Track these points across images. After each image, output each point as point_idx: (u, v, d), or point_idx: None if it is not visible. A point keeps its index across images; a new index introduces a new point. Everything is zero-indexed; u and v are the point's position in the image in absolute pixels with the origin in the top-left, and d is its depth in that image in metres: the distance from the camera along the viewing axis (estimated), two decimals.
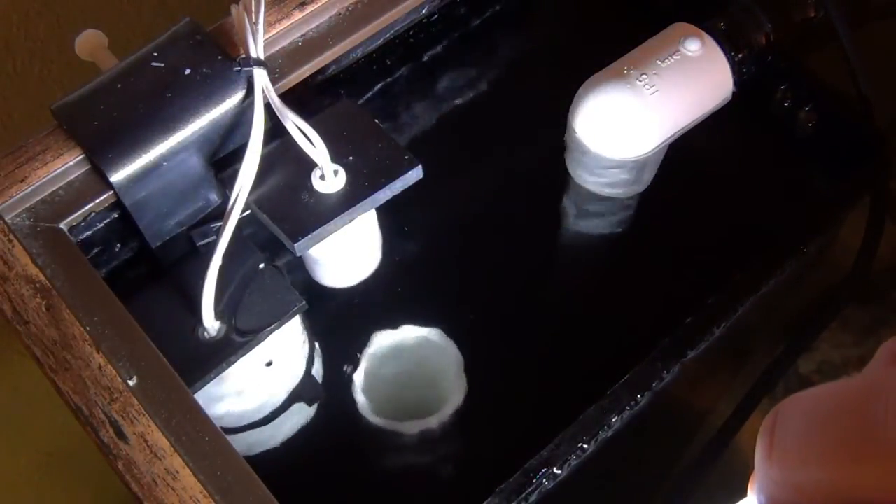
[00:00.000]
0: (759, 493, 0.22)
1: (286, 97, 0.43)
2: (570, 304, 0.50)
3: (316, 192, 0.42)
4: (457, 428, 0.45)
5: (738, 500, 0.24)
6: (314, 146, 0.42)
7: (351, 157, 0.43)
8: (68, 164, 0.42)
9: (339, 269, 0.47)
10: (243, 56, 0.42)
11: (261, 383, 0.44)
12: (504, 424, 0.46)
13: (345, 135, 0.44)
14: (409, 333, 0.46)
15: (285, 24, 0.46)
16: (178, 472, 0.36)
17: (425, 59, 0.55)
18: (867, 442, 0.19)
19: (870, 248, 0.50)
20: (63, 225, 0.42)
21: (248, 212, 0.42)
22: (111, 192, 0.42)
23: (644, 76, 0.46)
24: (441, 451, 0.45)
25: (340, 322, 0.49)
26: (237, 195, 0.40)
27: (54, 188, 0.43)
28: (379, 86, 0.54)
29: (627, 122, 0.46)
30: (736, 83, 0.48)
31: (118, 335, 0.39)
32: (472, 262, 0.51)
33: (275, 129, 0.43)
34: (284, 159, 0.43)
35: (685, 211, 0.52)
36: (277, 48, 0.47)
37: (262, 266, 0.43)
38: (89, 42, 0.45)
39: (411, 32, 0.52)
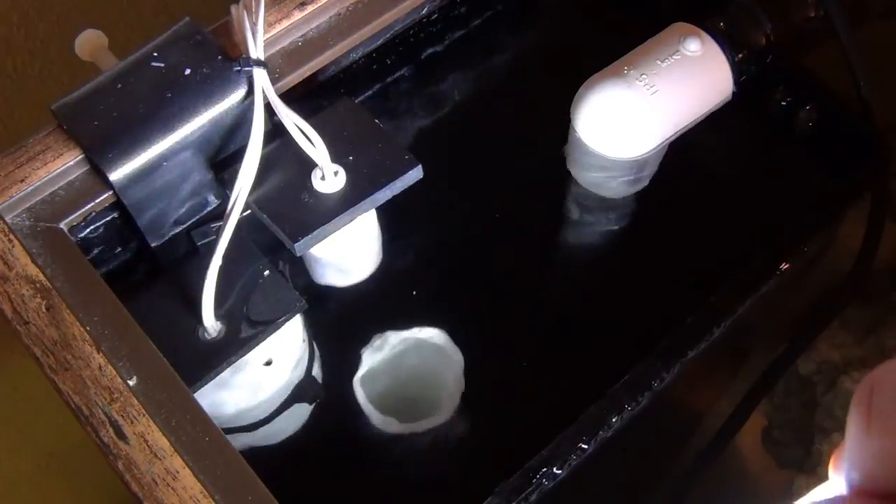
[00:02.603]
0: (850, 472, 0.21)
1: (286, 97, 0.43)
2: (570, 304, 0.50)
3: (316, 192, 0.42)
4: (457, 428, 0.45)
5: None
6: (314, 146, 0.42)
7: (351, 157, 0.43)
8: (68, 164, 0.42)
9: (340, 269, 0.47)
10: (243, 56, 0.42)
11: (261, 383, 0.44)
12: (504, 424, 0.46)
13: (345, 135, 0.44)
14: (410, 333, 0.46)
15: (285, 24, 0.46)
16: (178, 472, 0.36)
17: (425, 58, 0.55)
18: None
19: (870, 248, 0.50)
20: (63, 225, 0.42)
21: (249, 212, 0.42)
22: (111, 192, 0.42)
23: (644, 76, 0.46)
24: (441, 450, 0.45)
25: (340, 322, 0.49)
26: (237, 195, 0.40)
27: (54, 188, 0.43)
28: (379, 86, 0.54)
29: (627, 122, 0.46)
30: (736, 83, 0.48)
31: (118, 335, 0.39)
32: (472, 261, 0.51)
33: (275, 129, 0.43)
34: (284, 159, 0.43)
35: (685, 211, 0.52)
36: (277, 48, 0.47)
37: (262, 266, 0.43)
38: (89, 42, 0.45)
39: (411, 32, 0.52)
